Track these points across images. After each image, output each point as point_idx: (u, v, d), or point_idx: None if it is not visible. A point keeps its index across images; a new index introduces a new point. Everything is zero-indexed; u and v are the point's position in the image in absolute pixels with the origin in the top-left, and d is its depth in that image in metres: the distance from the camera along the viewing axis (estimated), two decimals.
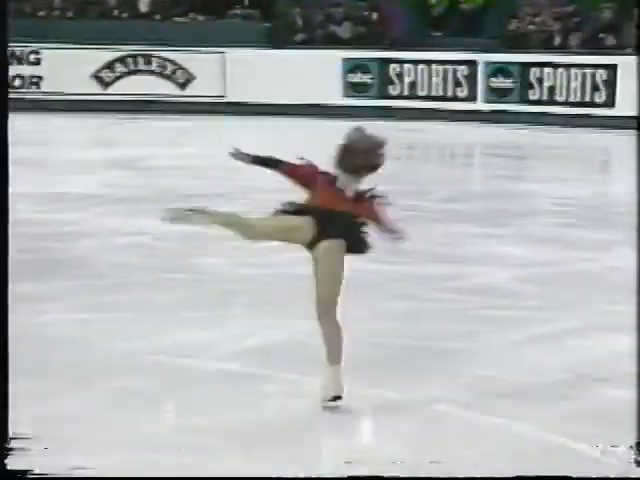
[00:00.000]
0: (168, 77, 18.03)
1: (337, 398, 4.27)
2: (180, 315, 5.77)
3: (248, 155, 4.51)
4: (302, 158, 4.46)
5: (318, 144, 15.70)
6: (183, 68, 17.97)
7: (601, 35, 16.67)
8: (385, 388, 4.53)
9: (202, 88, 17.76)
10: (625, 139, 14.79)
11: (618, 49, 16.24)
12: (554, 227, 8.48)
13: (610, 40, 16.45)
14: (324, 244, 4.29)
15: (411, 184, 10.42)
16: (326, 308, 4.30)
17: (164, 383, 4.65)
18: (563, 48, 16.81)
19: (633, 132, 14.89)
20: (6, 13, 3.53)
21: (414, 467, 3.74)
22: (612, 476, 3.52)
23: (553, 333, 5.50)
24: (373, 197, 4.37)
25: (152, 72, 18.04)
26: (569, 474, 3.69)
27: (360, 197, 4.35)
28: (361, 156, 4.31)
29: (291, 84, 16.93)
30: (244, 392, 4.56)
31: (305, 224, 4.30)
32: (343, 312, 5.46)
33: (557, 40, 17.07)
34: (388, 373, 4.67)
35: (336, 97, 17.29)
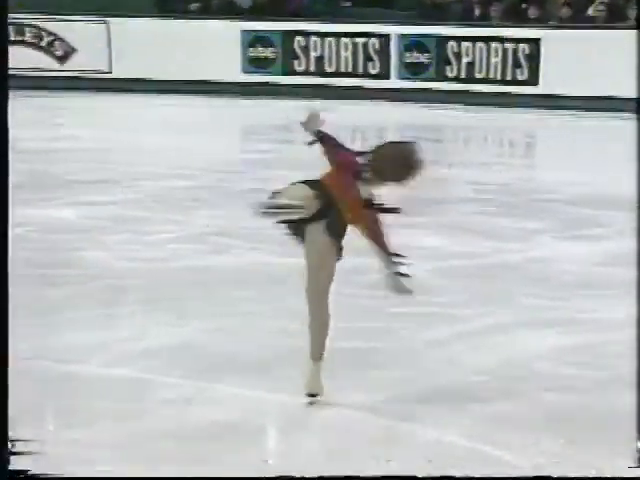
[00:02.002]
0: (45, 49, 17.78)
1: (312, 396, 4.43)
2: (66, 315, 5.74)
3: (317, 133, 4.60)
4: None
5: (215, 125, 15.71)
6: (62, 39, 17.74)
7: (524, 6, 16.98)
8: (289, 393, 4.58)
9: (84, 62, 17.56)
10: (549, 120, 15.11)
11: (542, 21, 16.55)
12: (474, 216, 8.63)
13: (533, 11, 16.76)
14: (315, 226, 4.37)
15: (318, 170, 10.47)
16: (315, 296, 4.41)
17: (47, 391, 4.63)
18: (483, 20, 17.07)
19: (558, 112, 15.25)
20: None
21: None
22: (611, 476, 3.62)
23: (473, 331, 5.61)
24: (382, 209, 4.48)
25: (26, 43, 17.77)
26: None
27: (368, 204, 4.44)
28: (403, 171, 4.43)
29: (184, 59, 16.86)
30: (137, 400, 4.57)
31: (312, 199, 4.36)
32: (244, 309, 5.52)
33: (477, 11, 17.33)
34: (292, 376, 4.72)
35: (235, 73, 17.27)
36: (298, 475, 3.69)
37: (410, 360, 5.15)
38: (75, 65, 17.65)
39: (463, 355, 5.23)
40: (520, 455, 4.05)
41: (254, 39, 17.35)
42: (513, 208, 8.99)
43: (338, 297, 5.77)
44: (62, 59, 17.84)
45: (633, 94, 14.89)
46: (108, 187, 9.50)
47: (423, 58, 16.71)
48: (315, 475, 3.69)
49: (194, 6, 18.34)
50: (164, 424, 4.32)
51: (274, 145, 12.88)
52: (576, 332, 5.62)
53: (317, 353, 4.48)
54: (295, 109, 15.97)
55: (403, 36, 16.81)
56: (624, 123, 14.58)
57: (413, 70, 16.77)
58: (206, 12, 18.04)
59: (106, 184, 9.67)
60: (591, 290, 6.44)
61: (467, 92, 16.32)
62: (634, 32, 15.45)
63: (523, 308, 6.04)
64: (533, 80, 16.04)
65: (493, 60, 16.32)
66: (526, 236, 7.83)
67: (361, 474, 3.88)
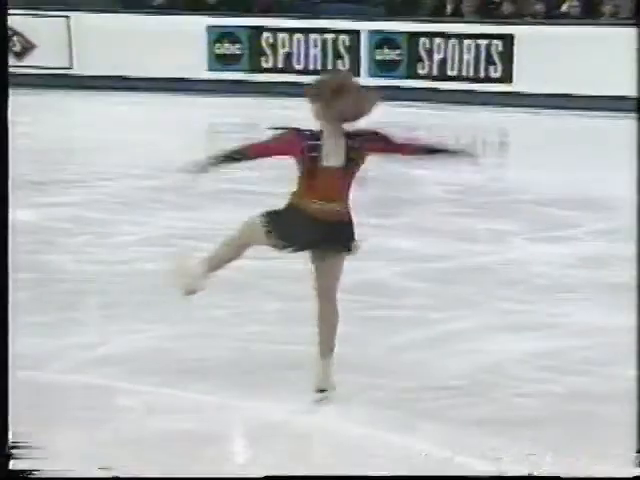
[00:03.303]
0: None
1: (322, 391, 4.54)
2: (21, 320, 5.71)
3: (206, 163, 4.50)
4: (276, 128, 4.53)
5: (180, 123, 15.67)
6: (20, 34, 17.65)
7: (497, 1, 17.06)
8: (255, 400, 4.58)
9: (44, 58, 17.48)
10: (523, 118, 15.17)
11: (515, 17, 16.62)
12: (444, 217, 8.66)
13: (507, 7, 16.83)
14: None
15: (286, 169, 10.48)
16: (326, 292, 4.52)
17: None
18: (455, 16, 17.12)
19: (532, 110, 15.32)
20: None
21: None
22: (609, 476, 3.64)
23: (444, 335, 5.63)
24: (372, 134, 4.57)
25: None
26: None
27: (360, 138, 4.52)
28: (350, 99, 4.51)
29: (148, 55, 16.81)
30: (96, 407, 4.56)
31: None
32: (209, 314, 5.50)
33: (449, 7, 17.39)
34: (258, 383, 4.72)
35: (200, 70, 17.25)
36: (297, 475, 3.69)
37: (382, 364, 5.16)
38: (34, 61, 17.58)
39: (435, 359, 5.25)
40: (493, 461, 4.07)
41: (220, 35, 17.33)
42: (484, 209, 9.02)
43: (301, 302, 5.81)
44: (20, 55, 17.75)
45: (608, 92, 15.01)
46: (68, 187, 9.47)
47: (394, 55, 16.75)
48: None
49: (158, 1, 18.30)
50: (125, 432, 4.31)
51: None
52: (548, 336, 5.65)
53: (326, 349, 4.56)
54: (258, 107, 15.91)
55: (373, 32, 16.83)
56: (598, 122, 14.68)
57: (384, 67, 16.80)
58: (171, 7, 18.00)
59: (66, 184, 9.64)
60: (564, 293, 6.47)
61: (439, 90, 16.36)
62: (608, 28, 15.59)
63: (495, 311, 6.07)
64: (506, 78, 16.10)
65: (466, 57, 16.37)
66: (498, 238, 7.87)
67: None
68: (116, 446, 4.18)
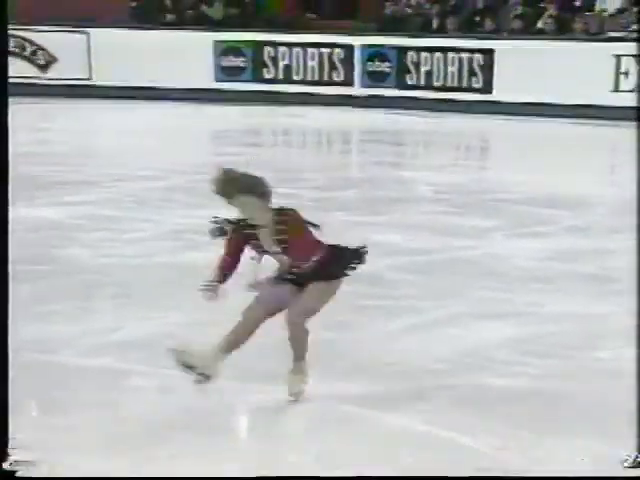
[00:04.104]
0: (28, 58, 17.65)
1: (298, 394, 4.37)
2: (40, 309, 5.68)
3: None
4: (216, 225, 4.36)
5: (189, 130, 15.63)
6: (44, 49, 17.61)
7: (478, 19, 17.04)
8: (264, 383, 4.54)
9: (65, 70, 17.44)
10: (502, 125, 15.15)
11: (495, 33, 16.60)
12: (430, 214, 8.63)
13: (488, 24, 16.81)
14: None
15: (286, 171, 10.46)
16: (306, 318, 4.32)
17: (24, 381, 4.57)
18: (441, 32, 17.10)
19: (510, 117, 15.29)
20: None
21: (299, 466, 3.78)
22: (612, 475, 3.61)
23: (429, 323, 5.60)
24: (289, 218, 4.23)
25: (9, 53, 17.63)
26: (446, 467, 3.79)
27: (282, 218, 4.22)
28: (254, 179, 4.22)
29: (160, 67, 16.78)
30: (110, 389, 4.52)
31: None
32: (220, 303, 5.45)
33: (435, 24, 17.36)
34: (269, 367, 4.68)
35: (207, 81, 17.21)
36: (298, 475, 3.65)
37: (370, 350, 5.13)
38: (57, 73, 17.53)
39: (421, 345, 5.22)
40: (478, 439, 4.04)
41: (226, 49, 17.29)
42: (467, 207, 9.00)
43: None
44: (44, 67, 17.71)
45: (579, 100, 15.00)
46: (86, 188, 9.43)
47: (384, 67, 16.72)
48: (317, 475, 3.65)
49: (169, 18, 18.25)
50: (140, 412, 4.28)
51: (243, 148, 12.84)
52: (526, 323, 5.63)
53: (303, 355, 4.41)
54: (262, 114, 15.88)
55: (366, 46, 16.81)
56: (570, 127, 14.67)
57: (375, 78, 16.77)
58: (180, 23, 17.97)
59: (84, 185, 9.60)
60: (540, 284, 6.44)
61: (425, 99, 16.35)
62: (579, 43, 15.57)
63: (476, 301, 6.04)
64: (487, 88, 16.08)
65: (450, 69, 16.35)
66: (479, 233, 7.84)
67: (326, 460, 3.87)
68: (131, 425, 4.14)
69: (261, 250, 4.28)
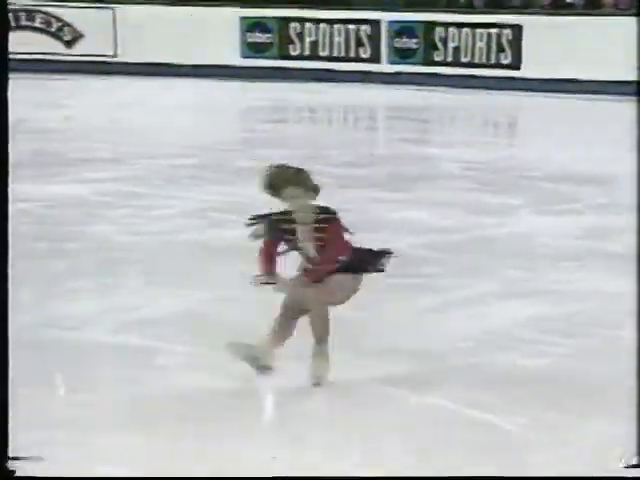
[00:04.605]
0: (54, 34, 17.69)
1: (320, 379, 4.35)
2: (68, 286, 5.71)
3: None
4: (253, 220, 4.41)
5: (215, 107, 15.64)
6: (70, 25, 17.64)
7: None
8: (287, 360, 4.54)
9: (91, 47, 17.48)
10: (531, 101, 15.06)
11: (524, 8, 16.48)
12: (459, 192, 8.61)
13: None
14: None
15: (312, 148, 10.46)
16: (328, 303, 4.37)
17: (52, 357, 4.61)
18: (469, 7, 16.99)
19: (539, 94, 15.20)
20: None
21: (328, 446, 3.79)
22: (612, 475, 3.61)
23: (455, 301, 5.59)
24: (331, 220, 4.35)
25: (36, 29, 17.67)
26: (474, 445, 3.79)
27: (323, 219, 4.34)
28: (305, 173, 4.33)
29: (186, 44, 16.78)
30: (139, 366, 4.55)
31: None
32: (245, 281, 5.47)
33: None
34: (290, 345, 4.68)
35: (234, 57, 17.19)
36: (298, 475, 3.65)
37: (397, 329, 5.13)
38: (82, 50, 17.56)
39: (448, 323, 5.22)
40: (504, 417, 4.04)
41: (252, 25, 17.26)
42: (494, 184, 8.97)
43: None
44: (70, 44, 17.74)
45: (609, 76, 14.88)
46: (112, 165, 9.47)
47: (411, 43, 16.64)
48: (317, 475, 3.66)
49: None
50: (165, 389, 4.30)
51: (270, 125, 12.84)
52: (552, 301, 5.61)
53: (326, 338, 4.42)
54: (287, 90, 15.87)
55: (393, 22, 16.73)
56: (600, 104, 14.56)
57: (402, 54, 16.70)
58: (207, 0, 17.94)
59: (110, 162, 9.64)
60: (567, 262, 6.42)
61: (453, 75, 16.27)
62: (609, 18, 15.44)
63: (502, 279, 6.03)
64: (515, 64, 15.99)
65: (478, 45, 16.26)
66: (507, 211, 7.81)
67: (356, 439, 3.88)
68: (153, 402, 4.17)
69: (294, 246, 4.38)
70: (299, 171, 4.35)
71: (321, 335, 4.38)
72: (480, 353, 4.81)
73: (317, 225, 4.35)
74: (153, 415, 4.03)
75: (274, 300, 5.40)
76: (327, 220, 4.35)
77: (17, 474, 3.36)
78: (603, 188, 8.81)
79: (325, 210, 4.38)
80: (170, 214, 7.55)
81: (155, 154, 10.14)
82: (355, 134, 13.09)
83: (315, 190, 4.34)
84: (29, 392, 4.07)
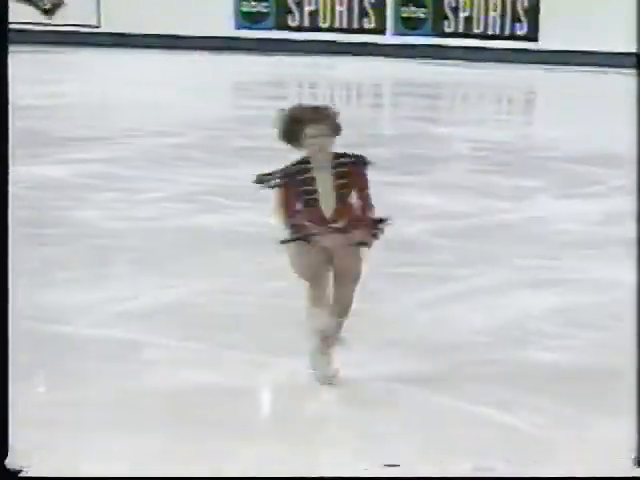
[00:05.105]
0: (31, 2, 17.68)
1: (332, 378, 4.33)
2: (52, 275, 5.75)
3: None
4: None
5: (207, 81, 15.64)
6: None
7: None
8: (281, 354, 4.59)
9: (72, 16, 17.47)
10: (549, 76, 15.07)
11: None
12: (471, 174, 8.64)
13: None
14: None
15: None
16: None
17: (33, 352, 4.65)
18: None
19: (558, 68, 15.22)
20: None
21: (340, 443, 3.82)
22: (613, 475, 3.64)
23: (468, 290, 5.63)
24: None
25: None
26: (492, 446, 3.83)
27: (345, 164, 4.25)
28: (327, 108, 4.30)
29: (175, 13, 16.77)
30: (126, 361, 4.59)
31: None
32: (236, 270, 5.52)
33: None
34: (284, 337, 4.73)
35: (228, 28, 17.19)
36: (298, 475, 3.69)
37: (406, 319, 5.17)
38: (62, 19, 17.56)
39: (458, 314, 5.25)
40: (519, 415, 4.08)
41: None
42: (510, 166, 9.00)
43: None
44: (49, 12, 17.74)
45: (632, 49, 14.87)
46: (95, 144, 9.49)
47: (420, 13, 16.64)
48: (318, 475, 3.70)
49: None
50: (154, 385, 4.34)
51: (266, 101, 12.84)
52: (571, 291, 5.64)
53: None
54: (286, 64, 15.84)
55: None
56: (623, 78, 14.55)
57: (409, 25, 16.69)
58: None
59: (93, 141, 9.66)
60: (588, 250, 6.45)
61: (465, 48, 16.25)
62: None
63: (518, 268, 6.06)
64: (532, 35, 15.98)
65: (491, 15, 16.25)
66: (522, 195, 7.84)
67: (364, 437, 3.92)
68: (142, 398, 4.21)
69: (312, 199, 4.20)
70: (319, 106, 4.28)
71: (347, 304, 4.28)
72: (494, 348, 4.85)
73: (338, 170, 4.22)
74: (141, 412, 4.07)
75: (272, 290, 5.46)
76: (347, 162, 4.24)
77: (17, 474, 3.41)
78: (626, 169, 8.83)
79: (344, 154, 4.24)
80: (158, 198, 7.59)
81: (142, 133, 10.17)
82: (359, 112, 13.11)
83: (338, 130, 4.24)
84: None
